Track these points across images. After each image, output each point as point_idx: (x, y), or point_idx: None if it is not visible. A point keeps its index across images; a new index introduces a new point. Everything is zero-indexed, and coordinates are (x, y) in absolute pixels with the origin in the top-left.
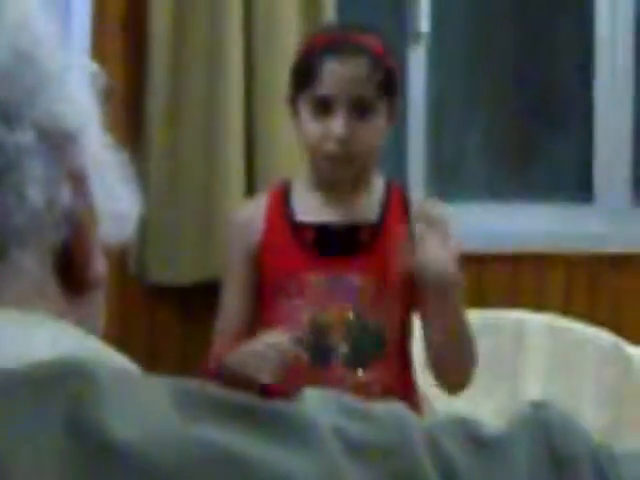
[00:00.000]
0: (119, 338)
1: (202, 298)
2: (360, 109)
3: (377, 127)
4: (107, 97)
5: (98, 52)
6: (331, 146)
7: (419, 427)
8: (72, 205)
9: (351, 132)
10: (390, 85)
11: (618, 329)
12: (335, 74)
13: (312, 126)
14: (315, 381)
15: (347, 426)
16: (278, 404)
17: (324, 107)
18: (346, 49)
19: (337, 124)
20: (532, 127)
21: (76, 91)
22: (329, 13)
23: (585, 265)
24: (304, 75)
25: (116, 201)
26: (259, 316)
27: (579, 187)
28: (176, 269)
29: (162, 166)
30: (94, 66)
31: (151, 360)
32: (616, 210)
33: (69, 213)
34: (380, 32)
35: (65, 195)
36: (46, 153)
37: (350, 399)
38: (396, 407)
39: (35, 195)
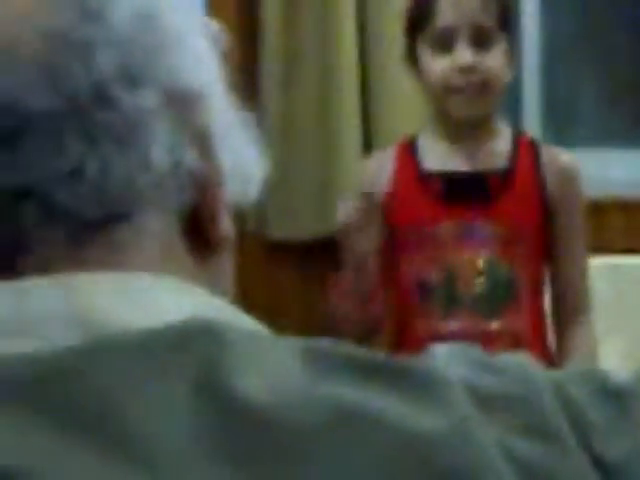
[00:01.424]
0: (239, 295)
1: (321, 253)
2: (480, 40)
3: (499, 59)
4: (225, 58)
5: (212, 11)
6: (458, 78)
7: (548, 378)
8: (198, 167)
9: (475, 60)
10: (507, 20)
11: None
12: (452, 5)
13: (436, 63)
14: (447, 332)
15: (476, 380)
16: (407, 360)
17: (445, 43)
18: None
19: (461, 54)
20: None
21: (198, 51)
22: None
23: None
24: (421, 14)
25: (242, 162)
26: (390, 268)
27: None
28: (295, 224)
29: (279, 122)
30: (215, 25)
31: (272, 317)
32: None
33: (195, 175)
34: None
35: (190, 157)
36: (170, 114)
37: (477, 352)
38: (523, 358)
39: (160, 157)
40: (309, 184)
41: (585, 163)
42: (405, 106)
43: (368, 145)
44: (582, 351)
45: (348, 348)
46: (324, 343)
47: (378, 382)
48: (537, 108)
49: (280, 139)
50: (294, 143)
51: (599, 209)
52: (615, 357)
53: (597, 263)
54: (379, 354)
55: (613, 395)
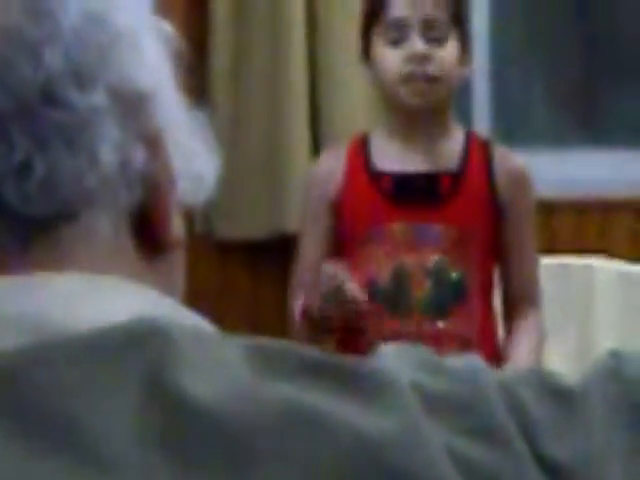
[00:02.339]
0: (187, 295)
1: (270, 252)
2: (433, 34)
3: (451, 53)
4: (176, 57)
5: (161, 9)
6: (410, 67)
7: (495, 380)
8: (146, 166)
9: (427, 51)
10: (460, 17)
11: None
12: None
13: (389, 54)
14: (395, 330)
15: (424, 381)
16: (356, 361)
17: (398, 35)
18: None
19: (414, 44)
20: (596, 73)
21: (149, 51)
22: None
23: None
24: (376, 5)
25: (193, 161)
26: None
27: None
28: (243, 225)
29: (226, 122)
30: (166, 26)
31: (221, 317)
32: None
33: (143, 175)
34: None
35: (139, 156)
36: (119, 114)
37: (427, 353)
38: (472, 360)
39: (108, 157)
40: (257, 184)
41: (535, 164)
42: (354, 105)
43: (317, 144)
44: (526, 343)
45: (296, 348)
46: (272, 343)
47: (327, 383)
48: (487, 110)
49: (228, 138)
50: (242, 142)
51: (550, 210)
52: (564, 357)
53: (548, 263)
54: (327, 354)
55: (560, 396)
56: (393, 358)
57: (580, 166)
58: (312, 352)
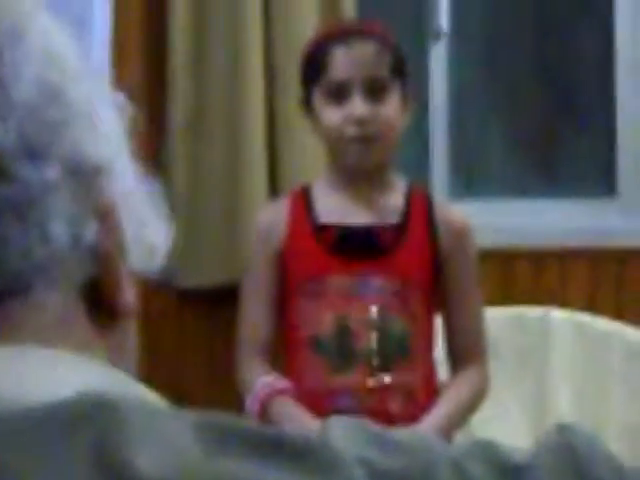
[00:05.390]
0: (147, 343)
1: (228, 301)
2: (374, 91)
3: (393, 108)
4: (132, 126)
5: (119, 63)
6: (352, 129)
7: (444, 454)
8: (99, 240)
9: (369, 112)
10: (400, 66)
11: None
12: (346, 58)
13: (330, 114)
14: (339, 386)
15: (372, 456)
16: (302, 436)
17: (339, 94)
18: (352, 35)
19: (355, 106)
20: (554, 123)
21: (104, 124)
22: (349, 12)
23: (610, 260)
24: (315, 66)
25: (146, 231)
26: (282, 320)
27: (603, 182)
28: (201, 273)
29: (185, 171)
30: (120, 96)
31: (179, 363)
32: None
33: (96, 249)
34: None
35: (92, 230)
36: (72, 188)
37: (375, 427)
38: (421, 434)
39: (59, 231)
40: (215, 233)
41: (494, 213)
42: (312, 155)
43: (275, 194)
44: (452, 400)
45: (246, 423)
46: (222, 418)
47: (272, 457)
48: (446, 160)
49: (187, 189)
50: (200, 193)
51: (507, 259)
52: (520, 406)
53: (505, 313)
54: (274, 430)
55: (509, 472)
56: (340, 433)
57: (538, 215)
58: (262, 428)
